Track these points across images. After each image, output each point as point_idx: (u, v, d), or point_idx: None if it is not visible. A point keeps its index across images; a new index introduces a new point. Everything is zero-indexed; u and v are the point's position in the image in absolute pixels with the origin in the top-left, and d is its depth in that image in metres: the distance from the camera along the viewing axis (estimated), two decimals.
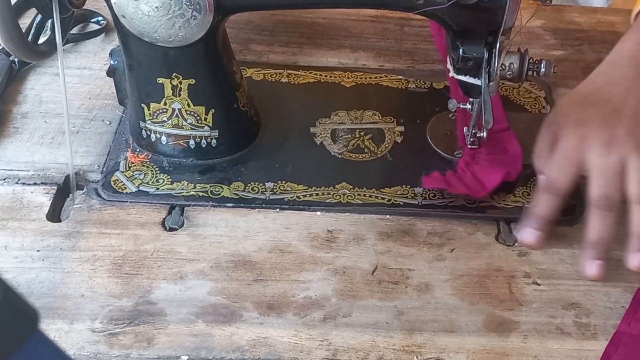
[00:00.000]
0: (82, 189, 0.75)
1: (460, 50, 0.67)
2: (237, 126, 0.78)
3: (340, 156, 0.79)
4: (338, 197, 0.74)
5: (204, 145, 0.76)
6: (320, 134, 0.81)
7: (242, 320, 0.64)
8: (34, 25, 0.73)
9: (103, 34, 0.93)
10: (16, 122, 0.82)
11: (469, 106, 0.74)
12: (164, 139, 0.76)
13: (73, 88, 0.86)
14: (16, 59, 0.86)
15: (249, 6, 0.75)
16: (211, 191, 0.74)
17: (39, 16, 0.72)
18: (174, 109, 0.74)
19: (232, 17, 0.71)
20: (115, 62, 0.77)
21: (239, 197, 0.74)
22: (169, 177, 0.76)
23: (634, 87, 0.72)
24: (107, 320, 0.64)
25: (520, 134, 0.78)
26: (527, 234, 0.69)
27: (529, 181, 0.75)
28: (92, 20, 0.95)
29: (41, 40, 0.74)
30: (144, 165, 0.77)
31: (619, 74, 0.74)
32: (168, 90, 0.73)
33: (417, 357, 0.62)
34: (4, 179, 0.75)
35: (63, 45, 0.71)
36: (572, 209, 0.73)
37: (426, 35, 0.95)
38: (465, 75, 0.70)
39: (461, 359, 0.62)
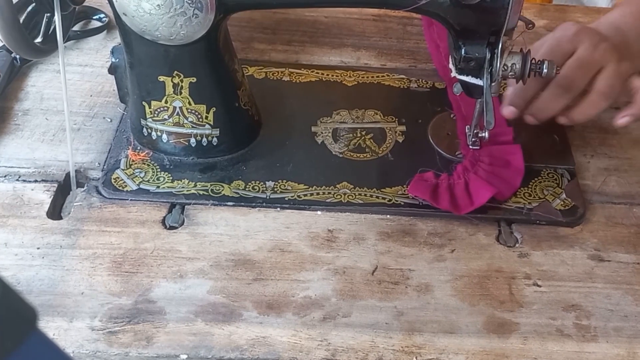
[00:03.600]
0: (83, 187, 0.75)
1: (462, 50, 0.67)
2: (238, 125, 0.78)
3: (341, 155, 0.78)
4: (339, 196, 0.74)
5: (204, 144, 0.76)
6: (322, 133, 0.81)
7: (242, 319, 0.64)
8: (35, 22, 0.73)
9: (105, 32, 0.93)
10: (17, 119, 0.82)
11: None
12: (164, 137, 0.76)
13: (74, 85, 0.86)
14: (18, 56, 0.86)
15: (251, 4, 0.75)
16: (212, 190, 0.74)
17: (40, 13, 0.72)
18: (175, 107, 0.74)
19: (234, 15, 0.71)
20: (117, 60, 0.77)
21: (239, 196, 0.74)
22: (169, 175, 0.76)
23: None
24: (106, 319, 0.63)
25: (522, 135, 0.78)
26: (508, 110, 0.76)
27: (530, 182, 0.75)
28: (94, 18, 0.95)
29: (42, 37, 0.74)
30: (144, 163, 0.77)
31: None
32: (169, 89, 0.73)
33: (416, 357, 0.62)
34: (5, 176, 0.75)
35: (65, 43, 0.71)
36: (573, 210, 0.73)
37: None
38: (467, 75, 0.69)
39: None
